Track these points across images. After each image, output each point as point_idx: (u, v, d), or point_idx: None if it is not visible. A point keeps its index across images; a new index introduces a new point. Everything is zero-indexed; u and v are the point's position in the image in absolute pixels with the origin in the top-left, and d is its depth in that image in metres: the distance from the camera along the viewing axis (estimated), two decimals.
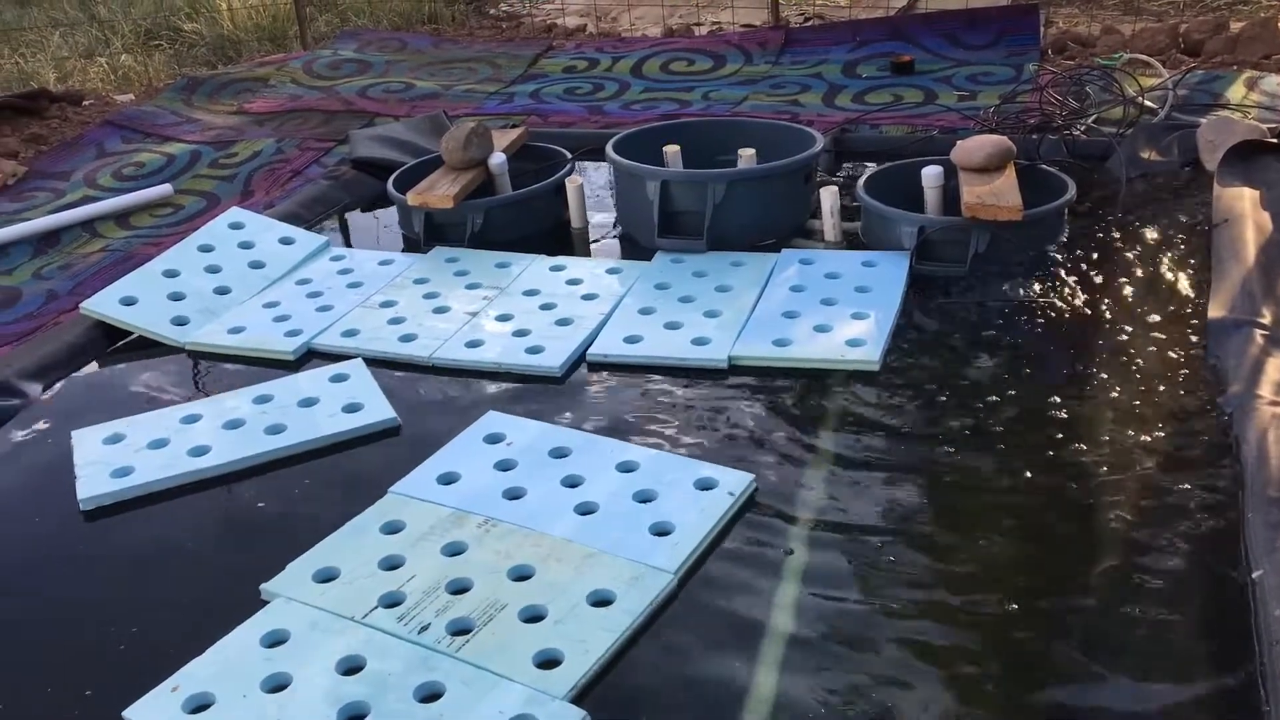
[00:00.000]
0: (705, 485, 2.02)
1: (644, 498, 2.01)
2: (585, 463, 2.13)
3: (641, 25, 6.29)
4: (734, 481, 2.03)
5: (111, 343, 2.83)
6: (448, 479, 2.11)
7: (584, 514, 1.98)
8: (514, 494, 2.05)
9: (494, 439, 2.23)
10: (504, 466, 2.14)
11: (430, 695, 1.61)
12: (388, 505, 2.05)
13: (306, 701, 1.60)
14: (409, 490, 2.09)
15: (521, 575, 1.83)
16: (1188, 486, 1.93)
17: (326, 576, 1.87)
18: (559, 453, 2.17)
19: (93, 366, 2.75)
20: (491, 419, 2.31)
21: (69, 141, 4.53)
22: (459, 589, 1.81)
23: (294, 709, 1.59)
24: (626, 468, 2.10)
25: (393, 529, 1.98)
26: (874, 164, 3.32)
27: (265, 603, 1.82)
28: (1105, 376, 2.30)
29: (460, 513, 2.00)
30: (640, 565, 1.83)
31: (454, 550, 1.91)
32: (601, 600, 1.76)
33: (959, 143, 3.03)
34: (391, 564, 1.89)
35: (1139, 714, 1.50)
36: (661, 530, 1.91)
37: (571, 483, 2.07)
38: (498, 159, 3.33)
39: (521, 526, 1.95)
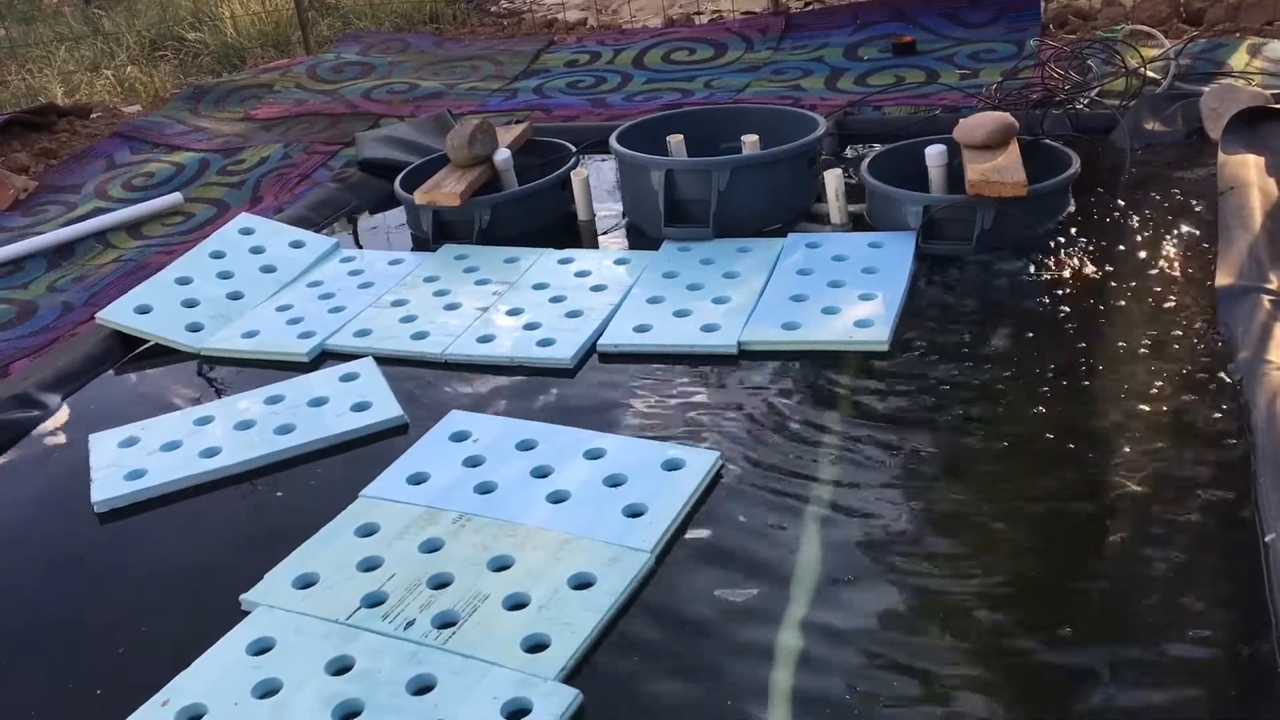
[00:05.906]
0: (673, 466, 2.06)
1: (614, 482, 2.03)
2: (553, 453, 2.14)
3: (642, 17, 6.28)
4: (701, 460, 2.06)
5: (127, 352, 2.86)
6: (417, 479, 2.12)
7: (556, 502, 2.00)
8: (485, 488, 2.07)
9: (460, 437, 2.25)
10: (472, 463, 2.15)
11: (423, 688, 1.62)
12: (360, 508, 2.06)
13: (300, 704, 1.62)
14: (379, 492, 2.10)
15: (501, 565, 1.85)
16: (1199, 453, 1.94)
17: (305, 583, 1.87)
18: (526, 445, 2.18)
19: (110, 376, 2.78)
20: (455, 418, 2.32)
21: (78, 154, 4.57)
22: (440, 584, 1.83)
23: (289, 712, 1.60)
24: (594, 454, 2.12)
25: (367, 531, 1.99)
26: (878, 145, 3.32)
27: (247, 613, 1.83)
28: (1114, 347, 2.31)
29: (433, 510, 2.02)
30: (617, 547, 1.85)
31: (431, 547, 1.92)
32: (582, 583, 1.79)
33: (961, 120, 3.03)
34: (370, 565, 1.89)
35: (1154, 684, 1.51)
36: (634, 512, 1.94)
37: (541, 473, 2.09)
38: (503, 155, 3.35)
39: (496, 519, 1.97)
